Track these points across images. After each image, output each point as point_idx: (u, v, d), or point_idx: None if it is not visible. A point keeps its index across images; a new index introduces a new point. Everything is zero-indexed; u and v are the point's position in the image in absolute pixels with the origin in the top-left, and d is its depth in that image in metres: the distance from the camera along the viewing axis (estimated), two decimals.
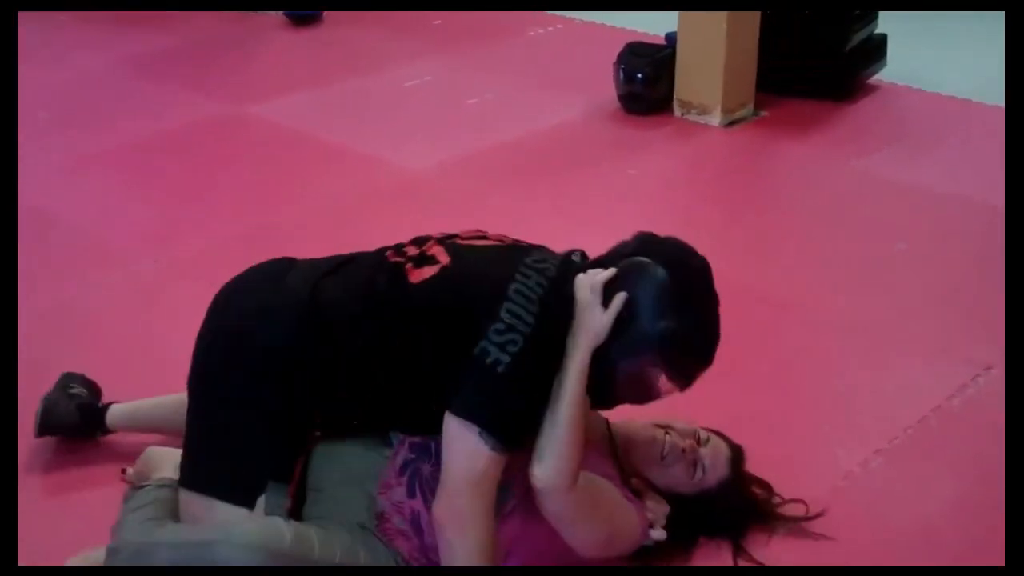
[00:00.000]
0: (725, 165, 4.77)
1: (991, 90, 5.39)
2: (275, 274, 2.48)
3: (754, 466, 2.61)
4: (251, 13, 6.43)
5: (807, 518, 2.59)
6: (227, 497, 2.29)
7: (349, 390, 2.33)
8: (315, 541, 2.23)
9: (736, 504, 2.55)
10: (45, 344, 3.24)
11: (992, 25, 6.41)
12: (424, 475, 2.33)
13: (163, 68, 5.69)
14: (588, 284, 2.23)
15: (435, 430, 2.24)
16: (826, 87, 5.18)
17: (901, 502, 2.73)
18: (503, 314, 2.19)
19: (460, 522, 2.20)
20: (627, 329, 2.22)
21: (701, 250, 2.34)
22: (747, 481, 2.61)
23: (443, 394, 2.22)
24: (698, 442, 2.52)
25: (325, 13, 6.37)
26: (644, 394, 2.31)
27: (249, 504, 2.28)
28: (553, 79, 5.56)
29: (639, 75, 5.02)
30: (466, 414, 2.18)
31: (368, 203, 4.24)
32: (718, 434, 2.60)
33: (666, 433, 2.50)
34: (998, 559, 2.52)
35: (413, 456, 2.36)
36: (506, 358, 2.17)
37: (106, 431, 2.81)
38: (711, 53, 4.85)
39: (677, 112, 5.04)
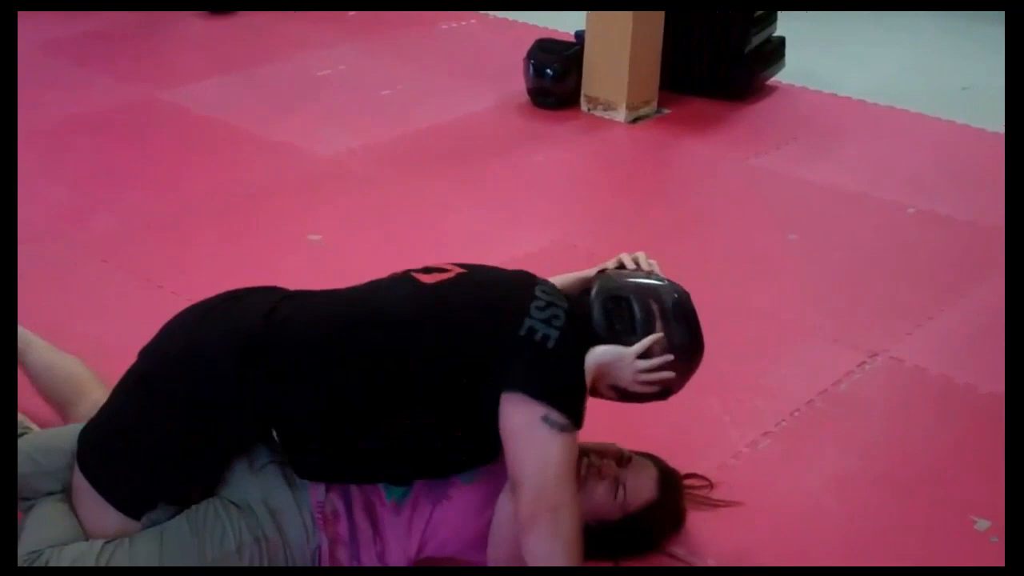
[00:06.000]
0: (628, 159, 4.90)
1: (884, 91, 5.60)
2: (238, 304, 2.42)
3: (647, 445, 2.64)
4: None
5: (704, 486, 2.69)
6: (118, 505, 2.28)
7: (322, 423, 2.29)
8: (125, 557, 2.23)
9: (661, 525, 2.52)
10: None
11: (886, 27, 6.65)
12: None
13: (75, 52, 5.65)
14: None
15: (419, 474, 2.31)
16: (726, 87, 5.33)
17: (786, 478, 2.85)
18: (538, 293, 2.25)
19: (551, 518, 2.16)
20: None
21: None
22: (677, 503, 2.56)
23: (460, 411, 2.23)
24: (619, 462, 2.46)
25: None
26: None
27: (135, 516, 2.28)
28: (465, 72, 5.64)
29: (548, 71, 5.14)
30: (529, 392, 2.15)
31: (279, 189, 4.28)
32: (652, 457, 2.56)
33: (582, 456, 2.38)
34: (874, 531, 2.68)
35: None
36: (555, 332, 2.19)
37: None
38: (617, 52, 4.97)
39: (584, 107, 5.16)
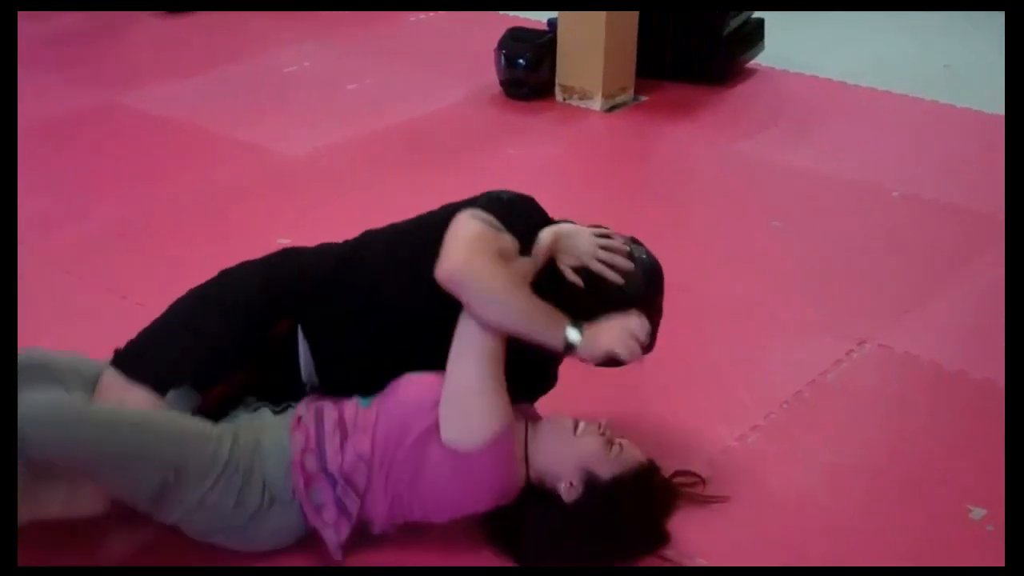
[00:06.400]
0: (606, 149, 4.83)
1: (865, 72, 5.54)
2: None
3: (636, 441, 2.57)
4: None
5: (695, 483, 2.64)
6: (147, 378, 2.35)
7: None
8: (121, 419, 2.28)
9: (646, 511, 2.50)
10: None
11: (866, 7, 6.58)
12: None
13: (33, 57, 5.52)
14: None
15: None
16: (704, 71, 5.26)
17: (777, 472, 2.80)
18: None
19: (465, 261, 2.32)
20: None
21: None
22: (664, 482, 2.58)
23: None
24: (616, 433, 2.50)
25: None
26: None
27: (160, 391, 2.35)
28: (435, 64, 5.56)
29: (521, 60, 5.05)
30: (468, 205, 2.44)
31: (247, 192, 4.19)
32: None
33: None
34: (868, 523, 2.64)
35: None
36: (507, 194, 2.51)
37: None
38: (592, 39, 4.90)
39: (559, 97, 5.08)
